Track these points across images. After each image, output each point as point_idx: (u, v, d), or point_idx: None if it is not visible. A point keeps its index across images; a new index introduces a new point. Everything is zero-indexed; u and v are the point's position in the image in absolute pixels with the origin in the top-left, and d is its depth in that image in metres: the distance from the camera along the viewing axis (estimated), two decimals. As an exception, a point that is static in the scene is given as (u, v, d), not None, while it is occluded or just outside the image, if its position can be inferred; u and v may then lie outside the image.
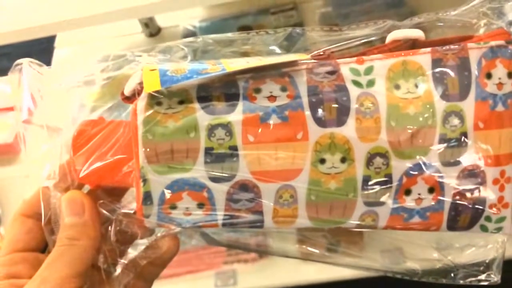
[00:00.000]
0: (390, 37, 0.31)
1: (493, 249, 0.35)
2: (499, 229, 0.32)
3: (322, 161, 0.28)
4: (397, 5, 0.82)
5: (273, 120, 0.27)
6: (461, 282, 0.36)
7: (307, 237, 0.37)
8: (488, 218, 0.31)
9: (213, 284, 0.69)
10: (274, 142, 0.27)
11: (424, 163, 0.30)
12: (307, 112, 0.28)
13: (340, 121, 0.28)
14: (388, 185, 0.29)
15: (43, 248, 0.30)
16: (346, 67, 0.29)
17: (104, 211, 0.28)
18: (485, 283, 0.35)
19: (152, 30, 0.94)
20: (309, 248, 0.37)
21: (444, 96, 0.29)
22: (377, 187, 0.29)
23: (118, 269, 0.30)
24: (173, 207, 0.27)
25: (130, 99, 0.28)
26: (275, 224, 0.29)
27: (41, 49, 0.92)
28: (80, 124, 0.29)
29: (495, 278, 0.34)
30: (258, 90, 0.28)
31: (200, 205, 0.28)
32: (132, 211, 0.28)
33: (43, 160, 0.30)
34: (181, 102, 0.27)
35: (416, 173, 0.29)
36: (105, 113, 0.31)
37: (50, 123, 0.30)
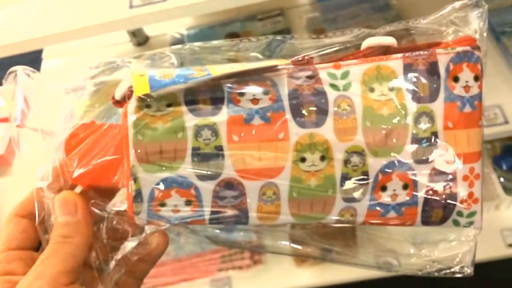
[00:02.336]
0: (365, 44, 0.32)
1: (466, 243, 0.36)
2: (470, 223, 0.33)
3: (303, 159, 0.29)
4: (384, 9, 0.83)
5: (256, 121, 0.29)
6: (436, 274, 0.37)
7: (302, 242, 0.37)
8: (460, 213, 0.33)
9: (208, 291, 0.70)
10: (257, 142, 0.28)
11: (398, 161, 0.31)
12: (288, 114, 0.29)
13: (319, 122, 0.29)
14: (365, 182, 0.31)
15: (37, 247, 0.31)
16: (324, 72, 0.31)
17: (96, 210, 0.29)
18: (459, 275, 0.36)
19: (140, 39, 0.94)
20: (303, 252, 0.38)
21: (415, 98, 0.31)
22: (355, 184, 0.30)
23: (110, 265, 0.30)
24: (162, 204, 0.28)
25: (120, 103, 0.29)
26: (259, 220, 0.30)
27: (30, 60, 0.83)
28: (72, 127, 0.29)
29: (468, 270, 0.36)
30: (242, 94, 0.29)
31: (188, 202, 0.28)
32: (123, 209, 0.28)
33: (36, 162, 0.31)
34: (169, 105, 0.28)
35: (390, 170, 0.31)
36: (95, 118, 0.32)
37: (44, 127, 0.31)
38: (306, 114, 0.29)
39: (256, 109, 0.29)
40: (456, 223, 0.33)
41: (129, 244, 0.31)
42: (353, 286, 0.67)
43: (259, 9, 0.89)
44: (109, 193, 0.32)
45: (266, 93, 0.29)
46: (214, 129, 0.28)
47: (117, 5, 0.61)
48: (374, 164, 0.30)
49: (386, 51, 0.33)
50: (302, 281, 0.68)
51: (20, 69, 0.31)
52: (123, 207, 0.29)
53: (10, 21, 0.66)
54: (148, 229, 0.30)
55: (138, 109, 0.28)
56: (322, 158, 0.29)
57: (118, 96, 0.29)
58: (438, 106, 0.31)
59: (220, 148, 0.28)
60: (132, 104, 0.28)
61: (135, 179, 0.27)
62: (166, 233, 0.30)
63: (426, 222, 0.33)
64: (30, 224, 0.30)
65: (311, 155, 0.29)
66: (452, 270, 0.36)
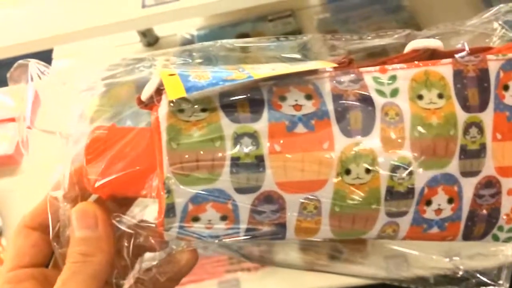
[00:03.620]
0: (410, 46, 0.30)
1: (502, 258, 0.34)
2: (510, 239, 0.31)
3: (348, 171, 0.26)
4: (396, 11, 0.80)
5: (299, 129, 0.26)
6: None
7: (310, 245, 0.35)
8: (501, 228, 0.30)
9: (216, 293, 0.67)
10: (300, 152, 0.25)
11: (445, 174, 0.28)
12: (333, 122, 0.26)
13: (366, 131, 0.26)
14: (410, 196, 0.28)
15: (48, 262, 0.28)
16: (369, 76, 0.28)
17: (119, 225, 0.25)
18: None
19: (150, 39, 0.91)
20: (312, 256, 0.36)
21: (465, 107, 0.28)
22: (400, 198, 0.27)
23: (127, 284, 0.27)
24: (196, 219, 0.25)
25: (147, 105, 0.26)
26: (296, 236, 0.27)
27: (40, 60, 0.92)
28: (93, 131, 0.26)
29: (505, 286, 0.33)
30: (283, 98, 0.26)
31: (223, 218, 0.25)
32: (152, 224, 0.25)
33: (47, 164, 0.28)
34: (204, 110, 0.25)
35: (437, 183, 0.28)
36: (107, 122, 0.28)
37: (58, 129, 0.28)
38: (352, 122, 0.26)
39: (299, 116, 0.26)
40: (495, 237, 0.31)
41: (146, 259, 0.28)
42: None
43: (270, 9, 0.86)
44: (125, 202, 0.29)
45: (309, 98, 0.26)
46: (254, 138, 0.25)
47: (130, 5, 0.59)
48: (421, 177, 0.28)
49: (431, 55, 0.30)
50: (310, 284, 0.66)
51: (32, 63, 0.28)
52: (147, 221, 0.26)
53: (21, 20, 0.63)
54: (172, 243, 0.27)
55: (171, 114, 0.24)
56: (368, 171, 0.26)
57: (144, 97, 0.26)
58: (487, 116, 0.28)
59: (261, 158, 0.25)
60: (163, 108, 0.25)
61: (169, 192, 0.24)
62: (196, 248, 0.27)
63: (467, 237, 0.30)
64: (41, 237, 0.27)
65: (356, 166, 0.26)
66: (488, 286, 0.34)
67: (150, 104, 0.26)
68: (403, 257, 0.37)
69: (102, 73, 0.29)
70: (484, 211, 0.29)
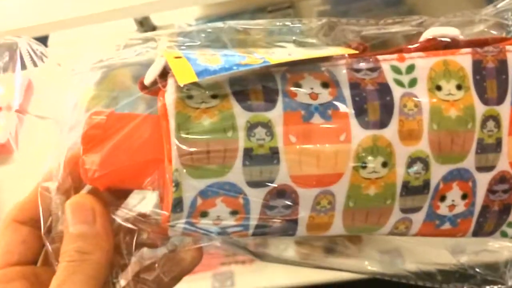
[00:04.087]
0: (427, 34, 0.28)
1: (507, 254, 0.33)
2: None
3: (364, 165, 0.24)
4: (396, 4, 0.79)
5: (316, 120, 0.24)
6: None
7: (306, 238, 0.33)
8: (510, 224, 0.29)
9: (211, 285, 0.66)
10: (316, 144, 0.24)
11: (461, 169, 0.27)
12: (351, 112, 0.24)
13: (383, 123, 0.25)
14: (426, 191, 0.26)
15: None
16: (387, 64, 0.26)
17: (118, 219, 0.24)
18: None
19: (147, 29, 0.88)
20: (307, 249, 0.35)
21: (484, 100, 0.27)
22: (416, 193, 0.26)
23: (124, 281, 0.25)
24: (204, 214, 0.23)
25: (150, 89, 0.24)
26: (308, 232, 0.26)
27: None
28: (90, 117, 0.24)
29: (510, 282, 0.32)
30: (298, 85, 0.24)
31: (234, 213, 0.24)
32: (155, 218, 0.23)
33: (42, 157, 0.26)
34: (214, 96, 0.23)
35: (453, 178, 0.27)
36: (104, 109, 0.26)
37: (52, 115, 0.25)
38: (370, 113, 0.25)
39: (315, 106, 0.24)
40: (504, 234, 0.30)
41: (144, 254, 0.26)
42: (356, 283, 0.63)
43: (269, 1, 0.84)
44: (123, 194, 0.26)
45: (325, 86, 0.25)
46: (269, 127, 0.23)
47: (127, -9, 0.58)
48: (437, 171, 0.26)
49: (447, 44, 0.28)
50: (305, 277, 0.65)
51: (24, 41, 0.26)
52: (148, 215, 0.24)
53: (16, 6, 0.61)
54: (175, 239, 0.25)
55: (180, 101, 0.22)
56: (384, 164, 0.25)
57: (148, 82, 0.23)
58: (504, 110, 0.27)
59: (275, 150, 0.23)
60: (170, 93, 0.22)
61: (177, 186, 0.22)
62: (201, 246, 0.25)
63: (477, 233, 0.29)
64: (31, 232, 0.25)
65: (373, 160, 0.25)
66: (493, 282, 0.33)
67: (153, 89, 0.23)
68: (397, 252, 0.36)
69: (100, 55, 0.27)
70: (496, 207, 0.28)
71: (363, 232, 0.27)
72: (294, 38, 0.28)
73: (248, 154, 0.23)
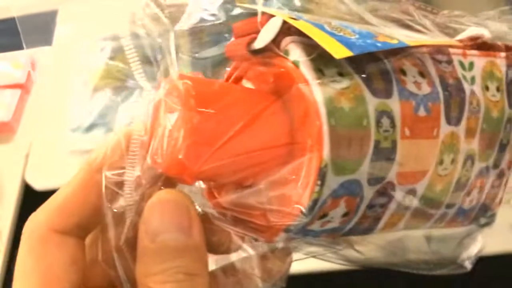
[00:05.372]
0: (469, 33, 0.28)
1: (470, 241, 0.34)
2: (487, 224, 0.32)
3: (441, 162, 0.23)
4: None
5: (421, 112, 0.22)
6: (437, 272, 0.36)
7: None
8: (486, 214, 0.31)
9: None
10: (420, 138, 0.21)
11: (487, 166, 0.28)
12: (442, 107, 0.23)
13: (459, 119, 0.24)
14: (464, 188, 0.27)
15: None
16: (456, 59, 0.25)
17: (219, 222, 0.17)
18: (459, 271, 0.35)
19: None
20: None
21: (509, 104, 0.28)
22: (460, 190, 0.26)
23: None
24: (322, 217, 0.19)
25: (257, 54, 0.18)
26: (381, 231, 0.23)
27: (41, 25, 0.80)
28: (185, 83, 0.17)
29: (469, 266, 0.35)
30: (403, 72, 0.21)
31: (345, 214, 0.20)
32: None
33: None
34: (340, 74, 0.19)
35: (481, 176, 0.27)
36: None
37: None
38: (452, 108, 0.23)
39: (421, 96, 0.22)
40: (478, 222, 0.32)
41: None
42: (360, 272, 0.62)
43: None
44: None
45: (422, 76, 0.22)
46: (392, 118, 0.20)
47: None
48: (476, 169, 0.27)
49: (485, 45, 0.29)
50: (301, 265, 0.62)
51: None
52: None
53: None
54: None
55: (319, 78, 0.17)
56: (452, 161, 0.24)
57: (263, 44, 0.18)
58: None
59: (395, 143, 0.20)
60: (305, 65, 0.17)
61: (322, 184, 0.17)
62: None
63: (468, 223, 0.31)
64: (79, 247, 0.17)
65: (447, 157, 0.24)
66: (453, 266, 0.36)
67: (262, 54, 0.18)
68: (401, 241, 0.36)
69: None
70: (488, 200, 0.30)
71: (411, 228, 0.26)
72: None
73: (376, 147, 0.19)
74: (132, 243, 0.17)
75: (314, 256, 0.30)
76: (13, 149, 0.74)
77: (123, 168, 0.16)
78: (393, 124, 0.20)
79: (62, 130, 0.69)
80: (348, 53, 0.17)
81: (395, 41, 0.20)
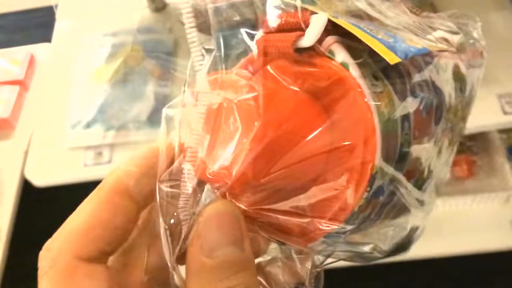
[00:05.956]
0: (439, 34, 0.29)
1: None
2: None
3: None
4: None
5: (423, 114, 0.22)
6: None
7: None
8: None
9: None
10: (422, 140, 0.22)
11: None
12: (433, 110, 0.23)
13: (440, 119, 0.25)
14: None
15: None
16: (437, 61, 0.26)
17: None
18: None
19: (158, 4, 0.87)
20: None
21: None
22: None
23: None
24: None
25: (301, 52, 0.18)
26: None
27: (39, 23, 0.85)
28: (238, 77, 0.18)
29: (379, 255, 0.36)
30: (409, 73, 0.22)
31: (367, 216, 0.21)
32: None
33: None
34: (375, 78, 0.19)
35: None
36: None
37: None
38: (438, 110, 0.24)
39: (422, 96, 0.22)
40: None
41: None
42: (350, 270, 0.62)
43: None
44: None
45: (421, 77, 0.23)
46: (409, 120, 0.21)
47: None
48: None
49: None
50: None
51: None
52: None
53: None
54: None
55: (367, 82, 0.18)
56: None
57: (310, 42, 0.18)
58: None
59: (409, 145, 0.21)
60: (354, 69, 0.18)
61: (370, 190, 0.18)
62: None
63: None
64: (110, 274, 0.16)
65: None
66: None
67: (307, 53, 0.18)
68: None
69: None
70: None
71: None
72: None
73: (400, 150, 0.20)
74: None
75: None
76: (12, 145, 0.74)
77: (175, 180, 0.16)
78: (409, 126, 0.21)
79: (62, 126, 0.68)
80: (397, 58, 0.18)
81: (419, 46, 0.20)
